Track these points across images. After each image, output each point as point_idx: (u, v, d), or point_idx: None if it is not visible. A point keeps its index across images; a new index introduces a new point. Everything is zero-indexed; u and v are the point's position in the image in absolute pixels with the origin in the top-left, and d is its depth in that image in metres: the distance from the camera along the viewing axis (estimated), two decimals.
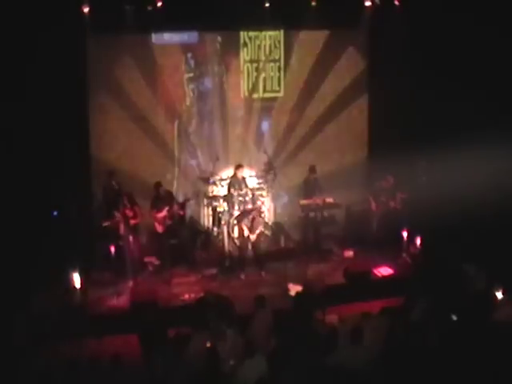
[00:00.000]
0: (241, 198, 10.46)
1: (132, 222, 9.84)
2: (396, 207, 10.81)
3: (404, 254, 10.53)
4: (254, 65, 11.55)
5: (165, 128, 11.25)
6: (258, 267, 10.31)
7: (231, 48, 11.36)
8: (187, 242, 10.55)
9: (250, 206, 10.36)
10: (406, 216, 10.59)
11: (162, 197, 10.15)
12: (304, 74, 11.65)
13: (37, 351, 7.70)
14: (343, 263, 10.36)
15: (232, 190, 10.55)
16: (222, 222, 10.68)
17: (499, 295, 7.60)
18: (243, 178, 10.89)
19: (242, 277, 10.19)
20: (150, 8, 10.07)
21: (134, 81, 10.85)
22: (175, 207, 10.15)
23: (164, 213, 10.06)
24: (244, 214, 10.22)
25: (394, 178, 10.84)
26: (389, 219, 10.84)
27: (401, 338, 6.66)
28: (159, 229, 10.10)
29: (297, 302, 7.96)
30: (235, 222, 10.32)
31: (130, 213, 9.78)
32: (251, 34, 11.42)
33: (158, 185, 10.21)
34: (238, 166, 10.88)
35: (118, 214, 9.67)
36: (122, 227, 9.67)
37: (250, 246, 10.35)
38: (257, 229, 10.24)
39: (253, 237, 10.23)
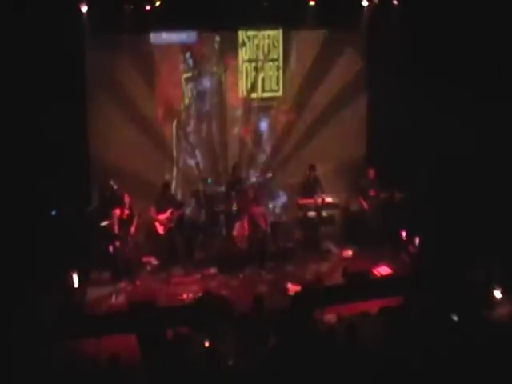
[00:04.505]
0: (239, 198, 10.46)
1: (126, 219, 9.81)
2: (387, 197, 10.81)
3: (403, 254, 10.54)
4: (253, 64, 11.53)
5: (163, 128, 11.23)
6: (257, 267, 10.31)
7: (230, 47, 11.34)
8: (186, 242, 10.53)
9: (253, 207, 10.35)
10: (404, 215, 10.58)
11: (167, 198, 10.16)
12: (303, 74, 11.63)
13: (36, 351, 7.69)
14: (342, 263, 10.36)
15: (230, 190, 10.55)
16: (221, 222, 10.66)
17: (498, 294, 7.61)
18: (241, 178, 10.91)
19: (241, 276, 10.19)
20: (148, 7, 10.06)
21: (132, 80, 10.83)
22: (179, 211, 10.15)
23: (167, 214, 10.05)
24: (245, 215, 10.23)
25: (374, 170, 10.90)
26: (387, 219, 10.85)
27: (399, 338, 6.66)
28: (160, 229, 10.09)
29: (296, 301, 7.96)
30: (234, 221, 10.33)
31: (127, 212, 9.77)
32: (250, 33, 11.40)
33: (166, 185, 10.27)
34: (236, 166, 10.90)
35: (114, 214, 9.66)
36: (118, 227, 9.67)
37: (248, 246, 10.34)
38: (259, 230, 10.24)
39: (254, 238, 10.24)
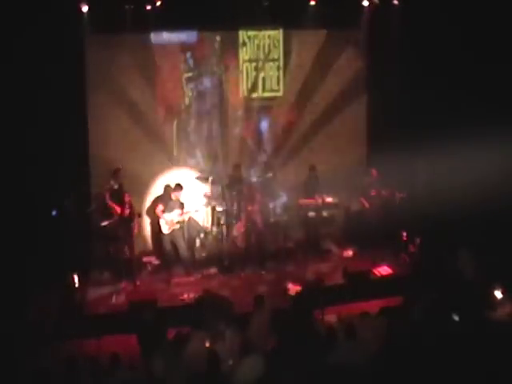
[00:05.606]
0: (240, 198, 10.46)
1: (127, 218, 9.79)
2: (389, 196, 10.79)
3: (403, 254, 10.53)
4: (253, 64, 11.54)
5: (164, 127, 11.22)
6: (257, 267, 10.32)
7: (230, 47, 11.34)
8: (186, 242, 10.53)
9: (248, 206, 10.35)
10: (405, 215, 10.57)
11: (177, 200, 10.16)
12: (303, 74, 11.64)
13: (36, 351, 7.69)
14: (342, 263, 10.35)
15: (231, 190, 10.55)
16: (221, 222, 10.67)
17: (499, 294, 7.59)
18: (242, 178, 10.91)
19: (242, 276, 10.19)
20: (148, 7, 10.07)
21: (132, 80, 10.83)
22: (184, 213, 10.15)
23: (174, 216, 10.04)
24: (243, 213, 10.24)
25: (376, 170, 10.96)
26: (388, 219, 10.84)
27: (400, 338, 6.66)
28: (165, 229, 10.08)
29: (296, 301, 7.96)
30: (234, 221, 10.32)
31: (128, 211, 9.77)
32: (250, 33, 11.41)
33: (180, 187, 10.24)
34: (237, 166, 10.90)
35: (115, 213, 9.66)
36: (119, 226, 9.67)
37: (249, 246, 10.34)
38: (255, 228, 10.24)
39: (251, 236, 10.24)
